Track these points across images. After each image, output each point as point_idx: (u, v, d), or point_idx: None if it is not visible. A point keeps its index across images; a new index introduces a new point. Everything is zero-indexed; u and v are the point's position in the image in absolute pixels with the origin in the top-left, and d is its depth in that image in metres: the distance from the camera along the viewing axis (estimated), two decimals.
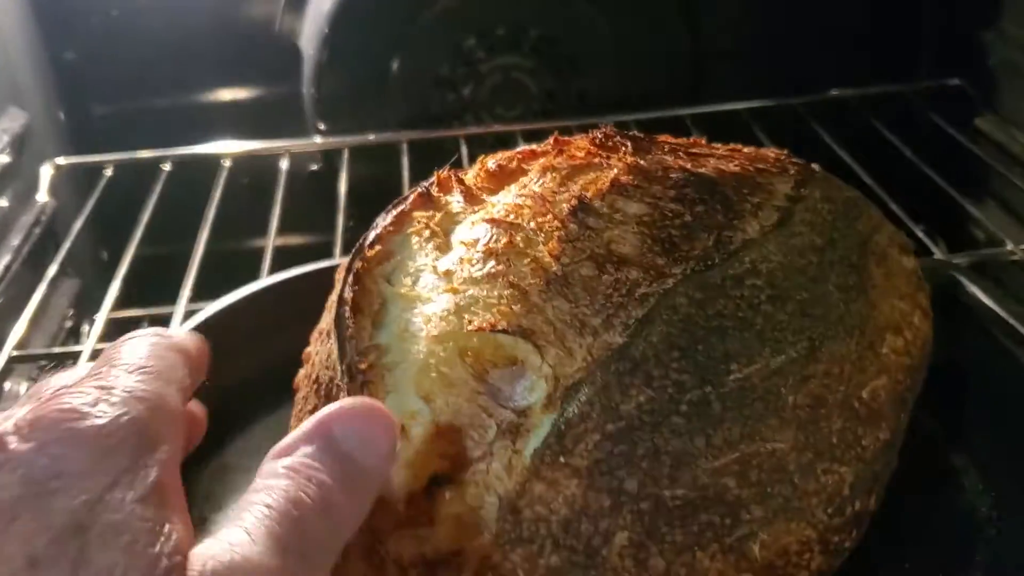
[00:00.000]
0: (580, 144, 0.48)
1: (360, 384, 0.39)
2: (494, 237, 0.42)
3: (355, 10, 0.92)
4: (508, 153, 0.50)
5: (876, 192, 0.83)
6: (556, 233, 0.41)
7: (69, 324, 0.95)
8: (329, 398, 0.40)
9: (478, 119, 0.99)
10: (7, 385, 0.78)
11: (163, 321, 0.96)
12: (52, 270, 0.79)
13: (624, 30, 0.97)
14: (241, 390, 0.61)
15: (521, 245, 0.41)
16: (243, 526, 0.29)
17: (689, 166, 0.45)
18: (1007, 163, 0.92)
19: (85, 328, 0.98)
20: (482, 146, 0.98)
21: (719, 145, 0.53)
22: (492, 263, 0.41)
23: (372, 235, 0.45)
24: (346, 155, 0.93)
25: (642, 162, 0.45)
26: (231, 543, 0.28)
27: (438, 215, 0.46)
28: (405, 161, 0.92)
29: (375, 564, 0.38)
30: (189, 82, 1.04)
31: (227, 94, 1.06)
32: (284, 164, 0.93)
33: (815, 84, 1.01)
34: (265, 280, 0.67)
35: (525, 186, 0.45)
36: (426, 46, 0.95)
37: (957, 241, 0.90)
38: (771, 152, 0.52)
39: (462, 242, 0.43)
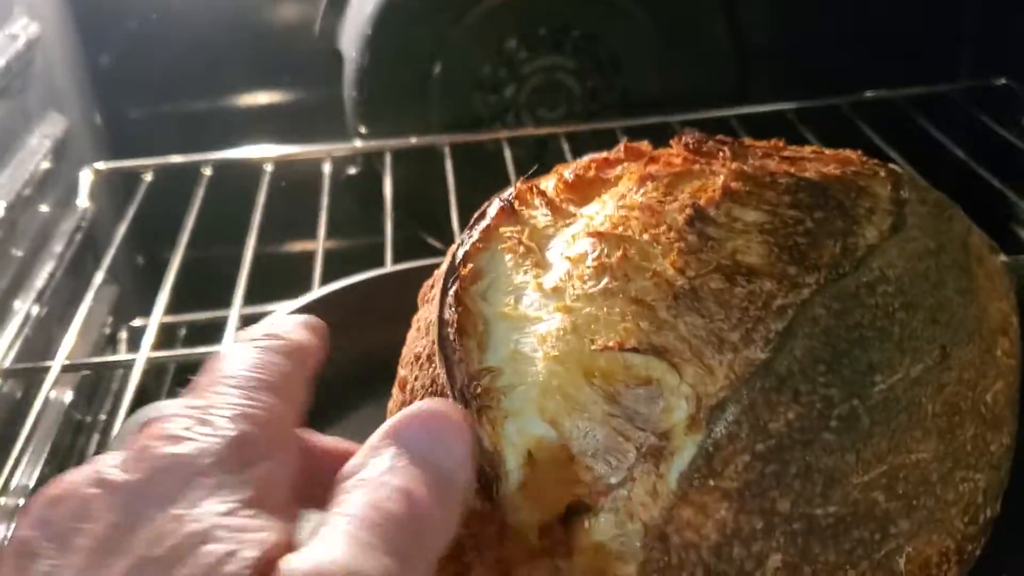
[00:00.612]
0: (673, 151, 0.47)
1: (476, 409, 0.37)
2: (604, 251, 0.40)
3: (397, 12, 0.91)
4: (582, 162, 0.49)
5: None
6: (675, 245, 0.39)
7: (107, 331, 0.94)
8: None
9: (520, 121, 0.98)
10: (52, 394, 0.77)
11: (203, 327, 0.96)
12: (98, 278, 0.78)
13: (666, 28, 0.96)
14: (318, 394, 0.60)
15: (637, 259, 0.39)
16: (328, 534, 0.28)
17: (792, 170, 0.44)
18: None
19: (123, 335, 0.97)
20: (524, 148, 0.97)
21: (800, 147, 0.51)
22: (607, 279, 0.39)
23: (461, 252, 0.43)
24: (388, 158, 0.92)
25: (746, 168, 0.43)
26: (317, 551, 0.27)
27: (526, 229, 0.44)
28: (449, 164, 0.91)
29: None
30: (225, 86, 1.03)
31: (263, 97, 1.05)
32: (327, 168, 0.92)
33: (854, 84, 1.00)
34: (329, 286, 0.66)
35: (624, 196, 0.43)
36: (468, 47, 0.94)
37: (1010, 243, 0.89)
38: (852, 154, 0.51)
39: (567, 257, 0.41)
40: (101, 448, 0.83)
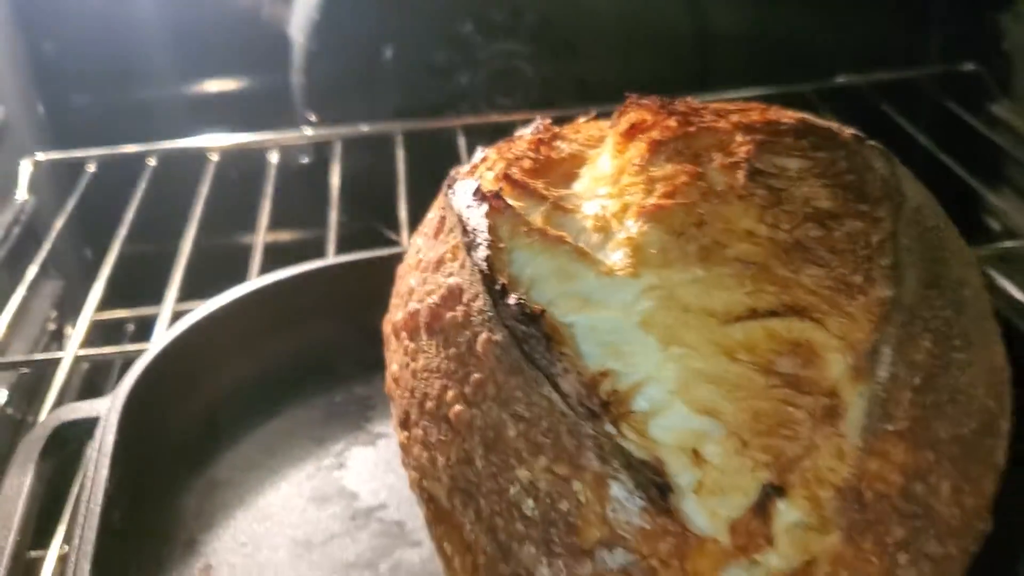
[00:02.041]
0: (647, 119, 0.43)
1: (613, 420, 0.34)
2: (675, 221, 0.37)
3: None
4: (515, 147, 0.46)
5: None
6: (750, 202, 0.38)
7: (52, 327, 0.91)
8: (558, 441, 0.35)
9: (475, 108, 0.95)
10: None
11: (148, 323, 0.93)
12: (32, 271, 0.76)
13: (625, 13, 0.93)
14: (231, 400, 0.58)
15: (718, 223, 0.37)
16: None
17: (774, 117, 0.43)
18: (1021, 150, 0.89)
19: (68, 331, 0.95)
20: (481, 136, 0.94)
21: (727, 104, 0.49)
22: (693, 248, 0.37)
23: (483, 262, 0.38)
24: (338, 147, 0.90)
25: (746, 121, 0.41)
26: None
27: (534, 220, 0.40)
28: (400, 153, 0.88)
29: None
30: (173, 73, 1.00)
31: (213, 85, 1.02)
32: (273, 157, 0.89)
33: (821, 70, 0.98)
34: (255, 281, 0.63)
35: (643, 168, 0.40)
36: (420, 32, 0.91)
37: (971, 231, 0.87)
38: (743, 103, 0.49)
39: (627, 238, 0.38)
40: None
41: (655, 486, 0.34)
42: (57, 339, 0.92)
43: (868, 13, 1.00)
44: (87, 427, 0.51)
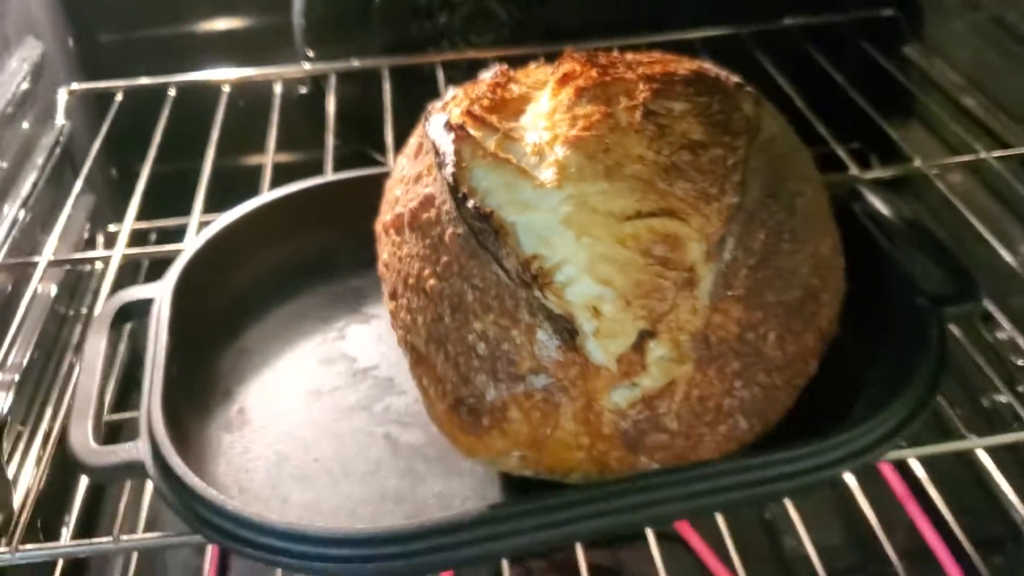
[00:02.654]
0: (578, 68, 0.57)
1: (540, 287, 0.49)
2: (590, 149, 0.51)
3: None
4: (479, 88, 0.59)
5: (808, 117, 0.94)
6: (643, 134, 0.52)
7: (86, 236, 1.05)
8: (502, 303, 0.50)
9: (453, 46, 1.08)
10: (39, 288, 0.89)
11: (171, 232, 1.07)
12: (77, 186, 0.89)
13: None
14: (254, 288, 0.73)
15: (619, 150, 0.51)
16: None
17: (672, 69, 0.56)
18: (928, 88, 1.02)
19: (100, 239, 1.09)
20: (458, 71, 1.07)
21: (643, 56, 0.62)
22: (601, 168, 0.51)
23: (450, 176, 0.52)
24: (333, 80, 1.03)
25: (649, 72, 0.55)
26: None
27: (490, 145, 0.53)
28: (387, 86, 1.01)
29: (589, 421, 0.50)
30: (187, 12, 1.12)
31: (223, 23, 1.14)
32: (278, 88, 1.02)
33: (769, 13, 1.10)
34: (269, 194, 0.77)
35: (568, 107, 0.54)
36: None
37: (889, 159, 1.01)
38: (663, 55, 0.63)
39: (555, 161, 0.52)
40: (82, 338, 0.95)
41: (567, 332, 0.49)
42: (91, 245, 1.06)
43: None
44: (144, 307, 0.66)
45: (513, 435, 0.50)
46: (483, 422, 0.50)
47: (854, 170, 0.87)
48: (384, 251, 0.58)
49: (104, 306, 0.67)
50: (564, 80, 0.57)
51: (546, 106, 0.56)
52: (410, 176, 0.56)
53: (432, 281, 0.52)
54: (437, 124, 0.56)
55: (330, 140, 0.94)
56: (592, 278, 0.49)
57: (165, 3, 1.11)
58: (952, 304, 0.62)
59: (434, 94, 1.01)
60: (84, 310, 0.99)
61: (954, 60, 1.00)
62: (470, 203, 0.51)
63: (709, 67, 0.60)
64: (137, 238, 1.06)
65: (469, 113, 0.56)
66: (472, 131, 0.54)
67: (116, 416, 0.82)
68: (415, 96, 0.93)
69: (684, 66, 0.59)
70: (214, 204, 0.88)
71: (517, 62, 1.03)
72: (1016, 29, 0.90)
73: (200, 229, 0.84)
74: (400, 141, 0.68)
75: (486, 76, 0.61)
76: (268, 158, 0.92)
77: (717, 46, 1.05)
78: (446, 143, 0.54)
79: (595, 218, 0.50)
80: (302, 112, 1.08)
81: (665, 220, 0.50)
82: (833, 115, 1.02)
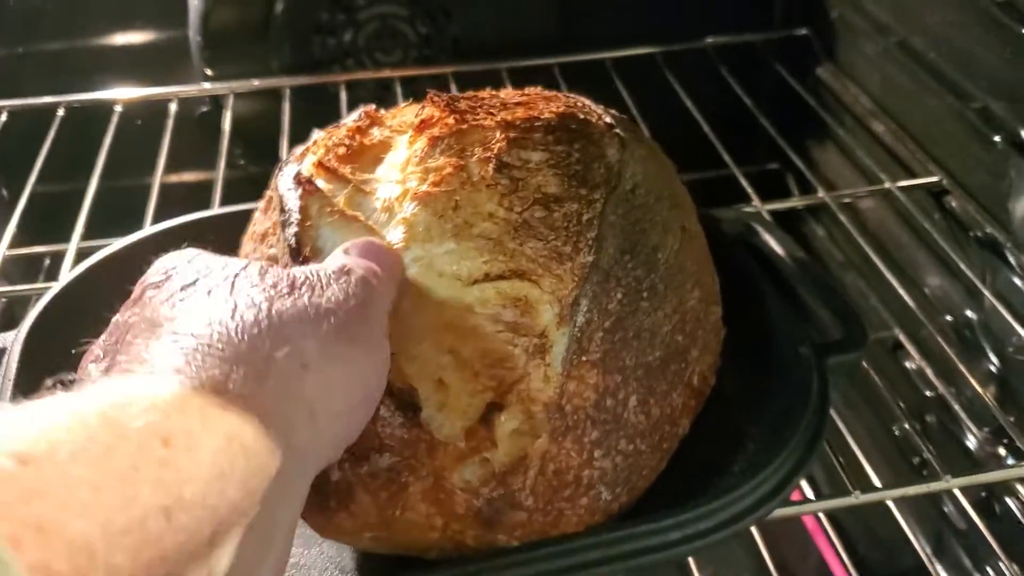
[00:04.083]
0: (437, 113, 0.53)
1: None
2: (438, 207, 0.48)
3: None
4: (338, 134, 0.55)
5: (713, 142, 0.92)
6: (495, 189, 0.49)
7: None
8: None
9: (359, 64, 1.05)
10: None
11: (59, 258, 1.03)
12: None
13: None
14: None
15: (468, 207, 0.48)
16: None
17: (536, 113, 0.53)
18: (840, 112, 1.01)
19: None
20: (364, 91, 1.04)
21: (498, 92, 0.60)
22: (450, 227, 0.48)
23: (293, 237, 0.49)
24: (231, 100, 0.99)
25: (508, 118, 0.52)
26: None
27: (338, 201, 0.50)
28: (286, 106, 0.98)
29: (440, 500, 0.47)
30: (81, 26, 1.07)
31: (120, 38, 1.10)
32: (173, 108, 0.98)
33: (683, 33, 1.08)
34: (148, 229, 0.73)
35: (421, 159, 0.51)
36: None
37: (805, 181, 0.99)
38: (544, 92, 0.59)
39: (403, 219, 0.49)
40: None
41: (410, 406, 0.46)
42: None
43: None
44: None
45: (362, 516, 0.47)
46: (330, 504, 0.47)
47: (756, 200, 0.85)
48: None
49: None
50: (421, 128, 0.53)
51: (402, 157, 0.53)
52: (258, 233, 0.53)
53: None
54: (287, 177, 0.52)
55: (222, 163, 0.91)
56: (438, 348, 0.47)
57: (58, 17, 1.06)
58: (837, 353, 0.60)
59: (337, 114, 0.98)
60: None
61: (865, 84, 0.99)
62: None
63: (581, 106, 0.57)
64: (27, 266, 1.02)
65: (321, 164, 0.52)
66: (323, 183, 0.51)
67: None
68: (319, 116, 0.90)
69: (552, 108, 0.55)
70: (102, 229, 0.84)
71: (425, 82, 1.01)
72: (922, 55, 0.89)
73: (79, 259, 0.80)
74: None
75: (348, 120, 0.58)
76: (156, 180, 0.88)
77: (628, 67, 1.04)
78: (292, 199, 0.50)
79: (442, 281, 0.47)
80: (202, 131, 1.05)
81: (515, 282, 0.47)
82: (752, 136, 1.01)
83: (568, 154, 0.51)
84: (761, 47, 1.08)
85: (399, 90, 1.01)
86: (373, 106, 0.60)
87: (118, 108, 0.98)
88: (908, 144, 0.91)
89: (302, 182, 0.51)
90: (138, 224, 0.76)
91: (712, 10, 1.11)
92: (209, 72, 1.02)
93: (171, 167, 0.92)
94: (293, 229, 0.49)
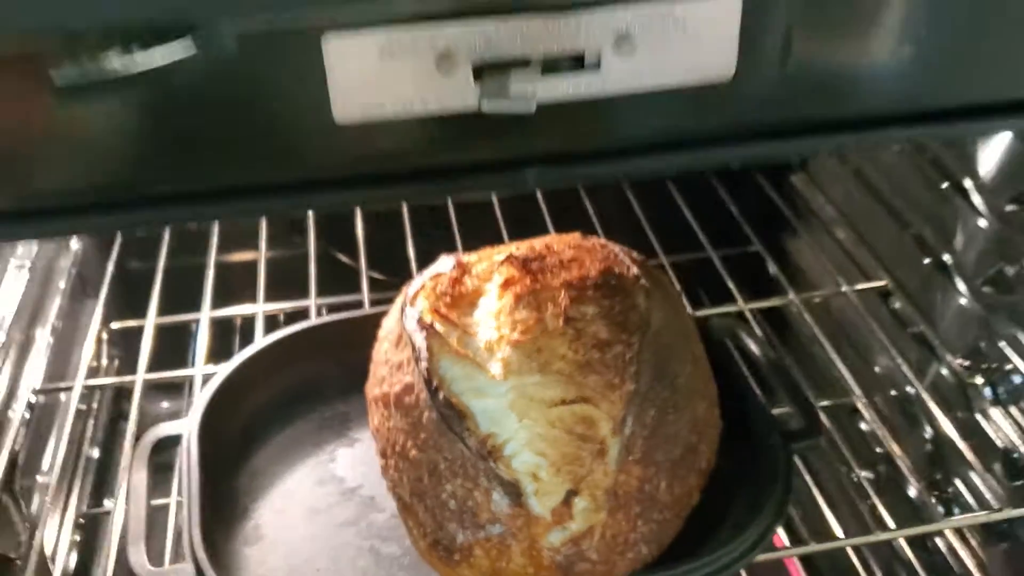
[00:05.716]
0: (516, 275, 0.72)
1: (494, 459, 0.66)
2: (528, 351, 0.68)
3: None
4: (442, 282, 0.75)
5: (707, 249, 1.13)
6: (565, 338, 0.69)
7: None
8: (466, 470, 0.67)
9: None
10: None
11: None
12: None
13: None
14: (259, 416, 0.89)
15: (548, 351, 0.69)
16: None
17: (586, 272, 0.73)
18: (809, 217, 1.22)
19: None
20: None
21: (555, 247, 0.78)
22: (536, 364, 0.68)
23: (424, 370, 0.69)
24: None
25: (569, 279, 0.72)
26: None
27: (452, 340, 0.70)
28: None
29: (533, 556, 0.67)
30: None
31: None
32: None
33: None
34: (272, 336, 0.93)
35: (510, 311, 0.70)
36: None
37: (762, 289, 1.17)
38: (584, 240, 0.80)
39: (501, 358, 0.68)
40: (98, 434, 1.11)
41: (515, 492, 0.67)
42: None
43: None
44: (174, 440, 0.82)
45: (478, 567, 0.69)
46: (455, 557, 0.69)
47: (740, 302, 1.07)
48: (375, 417, 0.75)
49: (141, 442, 0.82)
50: (505, 285, 0.73)
51: (494, 305, 0.73)
52: (394, 363, 0.74)
53: (414, 452, 0.69)
54: (412, 319, 0.73)
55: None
56: (531, 451, 0.67)
57: None
58: (799, 440, 0.82)
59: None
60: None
61: (830, 195, 1.21)
62: (440, 395, 0.68)
63: (615, 259, 0.76)
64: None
65: (436, 311, 0.73)
66: (439, 327, 0.72)
67: None
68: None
69: (596, 265, 0.74)
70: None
71: None
72: (873, 181, 1.11)
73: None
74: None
75: (444, 268, 0.77)
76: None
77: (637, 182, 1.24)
78: (420, 340, 0.71)
79: (532, 404, 0.68)
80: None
81: (583, 406, 0.68)
82: (738, 231, 1.21)
83: (612, 306, 0.72)
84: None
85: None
86: (460, 255, 0.80)
87: None
88: (862, 250, 1.13)
89: (425, 327, 0.72)
90: None
91: None
92: None
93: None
94: (424, 364, 0.70)
